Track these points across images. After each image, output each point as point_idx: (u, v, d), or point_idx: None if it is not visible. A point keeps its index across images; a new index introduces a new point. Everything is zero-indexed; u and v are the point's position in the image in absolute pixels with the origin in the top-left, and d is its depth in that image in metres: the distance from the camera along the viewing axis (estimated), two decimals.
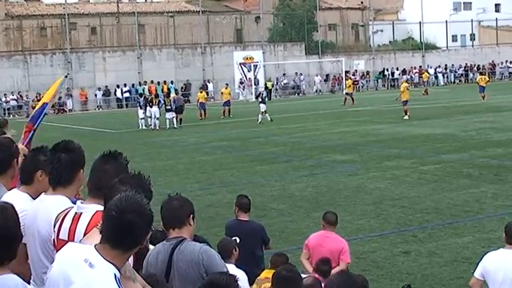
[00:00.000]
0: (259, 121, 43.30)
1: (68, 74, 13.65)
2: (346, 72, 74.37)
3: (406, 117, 41.43)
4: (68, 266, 4.19)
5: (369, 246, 15.08)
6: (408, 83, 49.58)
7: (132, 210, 4.15)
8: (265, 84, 71.94)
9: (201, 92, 51.86)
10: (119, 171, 5.15)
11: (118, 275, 4.14)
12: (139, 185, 4.85)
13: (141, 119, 44.69)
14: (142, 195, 4.39)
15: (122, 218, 4.14)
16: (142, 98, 46.78)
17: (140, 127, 44.36)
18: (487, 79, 57.05)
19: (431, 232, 15.96)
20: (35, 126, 10.69)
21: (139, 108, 45.78)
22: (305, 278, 8.29)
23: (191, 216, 6.12)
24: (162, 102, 44.89)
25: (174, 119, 44.31)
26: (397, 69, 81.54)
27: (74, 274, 4.14)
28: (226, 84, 59.40)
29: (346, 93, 57.26)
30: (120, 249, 4.19)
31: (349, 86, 58.38)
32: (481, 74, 62.61)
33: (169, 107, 44.61)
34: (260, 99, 45.69)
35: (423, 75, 70.61)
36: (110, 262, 4.15)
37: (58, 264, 4.28)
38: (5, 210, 4.54)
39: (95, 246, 4.24)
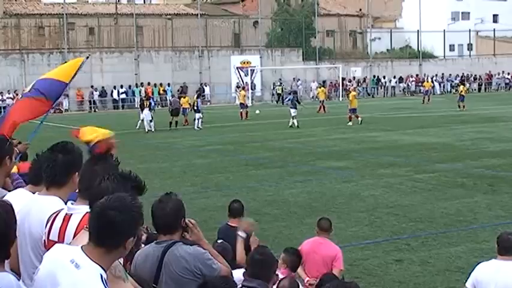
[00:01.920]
0: (289, 125, 43.10)
1: (89, 55, 13.11)
2: (343, 79, 74.50)
3: (350, 123, 43.54)
4: (55, 267, 4.19)
5: (361, 253, 15.07)
6: (356, 92, 51.87)
7: (115, 208, 4.13)
8: (276, 88, 72.31)
9: (184, 97, 50.67)
10: (108, 172, 5.14)
11: (104, 275, 4.12)
12: (125, 181, 4.82)
13: (149, 120, 44.11)
14: (132, 195, 4.37)
15: (104, 214, 4.13)
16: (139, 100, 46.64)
17: (146, 129, 43.81)
18: (466, 89, 58.02)
19: (424, 241, 15.95)
20: (53, 105, 10.35)
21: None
22: (283, 278, 8.24)
23: (182, 219, 6.09)
24: (154, 104, 44.77)
25: (199, 120, 44.60)
26: (394, 77, 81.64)
27: (61, 275, 4.13)
28: (243, 87, 60.16)
29: (320, 101, 56.86)
30: (103, 248, 4.16)
31: (322, 93, 58.04)
32: (461, 83, 63.36)
33: (196, 108, 45.18)
34: (291, 104, 44.81)
35: (425, 84, 70.70)
36: (96, 263, 4.13)
37: (45, 265, 4.28)
38: (2, 208, 4.55)
39: (81, 247, 4.23)
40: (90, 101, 68.68)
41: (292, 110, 43.75)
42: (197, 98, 46.91)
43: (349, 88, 57.98)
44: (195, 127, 44.21)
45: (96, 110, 68.02)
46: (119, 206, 4.16)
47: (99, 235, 4.18)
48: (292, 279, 8.12)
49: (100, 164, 5.31)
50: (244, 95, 53.80)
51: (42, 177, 5.99)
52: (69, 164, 5.60)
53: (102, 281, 4.09)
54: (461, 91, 55.57)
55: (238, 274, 7.62)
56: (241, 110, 51.34)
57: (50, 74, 10.72)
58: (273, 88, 75.02)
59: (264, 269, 6.91)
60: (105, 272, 4.15)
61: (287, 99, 46.68)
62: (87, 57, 11.81)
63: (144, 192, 4.91)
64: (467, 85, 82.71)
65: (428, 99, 64.33)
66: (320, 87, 61.65)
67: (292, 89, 65.48)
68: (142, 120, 44.08)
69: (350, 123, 43.68)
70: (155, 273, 5.98)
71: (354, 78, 79.40)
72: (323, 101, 56.34)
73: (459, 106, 53.68)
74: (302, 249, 11.17)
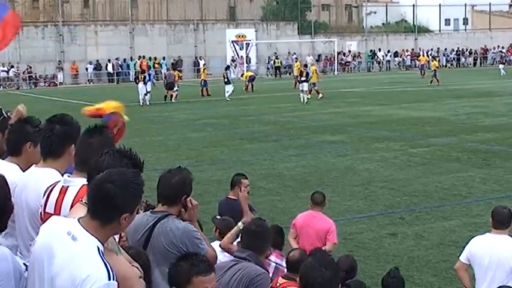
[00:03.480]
0: (304, 101, 42.19)
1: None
2: (338, 53, 74.27)
3: (320, 95, 44.61)
4: (51, 239, 4.18)
5: (356, 227, 15.12)
6: (317, 66, 51.97)
7: (113, 181, 4.13)
8: (274, 61, 72.05)
9: (174, 70, 50.44)
10: (104, 145, 5.13)
11: (101, 247, 4.13)
12: (121, 157, 4.82)
13: (144, 94, 43.79)
14: (136, 172, 4.37)
15: (101, 187, 4.13)
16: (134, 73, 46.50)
17: (141, 103, 43.47)
18: (437, 64, 58.93)
19: (419, 215, 16.01)
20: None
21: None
22: (292, 251, 8.28)
23: (185, 196, 6.08)
24: (148, 78, 44.59)
25: (229, 92, 45.21)
26: (388, 51, 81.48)
27: (57, 247, 4.12)
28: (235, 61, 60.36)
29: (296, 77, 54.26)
30: (98, 220, 4.15)
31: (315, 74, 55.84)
32: (434, 58, 63.94)
33: (226, 80, 45.71)
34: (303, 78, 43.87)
35: (421, 59, 70.51)
36: (93, 235, 4.13)
37: (42, 238, 4.27)
38: None
39: (78, 219, 4.22)
40: (85, 74, 68.54)
41: (303, 84, 43.23)
42: (226, 70, 47.79)
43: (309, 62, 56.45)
44: (227, 98, 44.83)
45: (92, 83, 67.85)
46: (118, 180, 4.15)
47: (94, 207, 4.18)
48: (302, 251, 8.15)
49: (95, 136, 5.31)
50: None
51: (18, 148, 6.06)
52: (65, 135, 5.58)
53: (99, 253, 4.09)
54: (434, 66, 55.94)
55: (216, 246, 7.63)
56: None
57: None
58: (268, 62, 74.86)
59: (257, 241, 6.93)
60: (103, 245, 4.16)
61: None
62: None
63: (141, 170, 4.90)
64: (463, 59, 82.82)
65: (424, 74, 64.21)
66: (312, 65, 54.84)
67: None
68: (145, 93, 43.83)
69: (320, 96, 44.57)
70: (144, 242, 5.98)
71: (350, 52, 79.23)
72: (315, 83, 47.27)
73: (431, 81, 53.63)
74: (296, 223, 11.22)
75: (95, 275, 3.98)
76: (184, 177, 6.10)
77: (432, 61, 62.12)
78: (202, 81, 49.78)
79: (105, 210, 4.15)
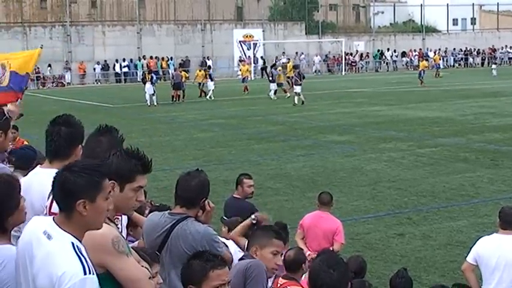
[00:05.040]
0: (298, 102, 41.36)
1: (42, 45, 13.31)
2: (346, 54, 74.16)
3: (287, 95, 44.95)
4: (31, 239, 4.19)
5: (363, 227, 15.09)
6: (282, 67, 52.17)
7: (70, 169, 4.17)
8: (264, 62, 72.00)
9: (181, 71, 49.27)
10: (113, 144, 5.15)
11: (77, 243, 4.11)
12: (129, 157, 4.84)
13: (151, 94, 43.58)
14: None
15: (59, 176, 4.17)
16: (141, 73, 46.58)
17: (148, 103, 43.38)
18: (426, 64, 58.64)
19: (426, 215, 15.98)
20: (21, 96, 10.51)
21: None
22: (288, 251, 8.27)
23: (203, 199, 6.14)
24: (156, 78, 44.67)
25: (272, 92, 45.38)
26: (395, 51, 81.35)
27: (36, 247, 4.14)
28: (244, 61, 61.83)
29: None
30: (63, 212, 4.16)
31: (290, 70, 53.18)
32: (424, 59, 64.12)
33: (271, 78, 46.20)
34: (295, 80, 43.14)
35: (435, 58, 70.25)
36: (66, 231, 4.13)
37: (23, 238, 4.28)
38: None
39: (53, 217, 4.23)
40: (93, 74, 68.67)
41: (297, 87, 42.04)
42: (272, 68, 48.84)
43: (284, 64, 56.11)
44: (271, 96, 45.45)
45: (99, 83, 67.96)
46: (75, 167, 4.19)
47: (55, 198, 4.25)
48: (298, 250, 8.15)
49: (105, 135, 5.34)
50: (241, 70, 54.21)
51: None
52: (72, 137, 5.60)
53: (74, 248, 4.07)
54: (422, 67, 55.92)
55: (231, 246, 7.67)
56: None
57: (14, 66, 10.75)
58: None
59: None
60: (79, 240, 4.14)
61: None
62: (41, 47, 11.99)
63: (150, 170, 4.91)
64: (470, 59, 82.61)
65: (439, 74, 64.03)
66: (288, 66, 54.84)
67: (295, 63, 64.76)
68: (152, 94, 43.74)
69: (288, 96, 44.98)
70: (161, 242, 6.01)
71: (357, 52, 79.17)
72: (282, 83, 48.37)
73: (420, 82, 53.53)
74: (303, 223, 11.22)
75: (70, 271, 3.97)
76: (203, 180, 6.20)
77: (421, 61, 61.78)
78: (199, 82, 49.05)
79: (62, 199, 4.17)
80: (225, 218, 9.79)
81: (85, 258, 4.05)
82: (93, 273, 4.04)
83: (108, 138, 5.32)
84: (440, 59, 69.84)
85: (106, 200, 4.22)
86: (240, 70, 52.44)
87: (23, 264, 4.22)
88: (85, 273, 3.99)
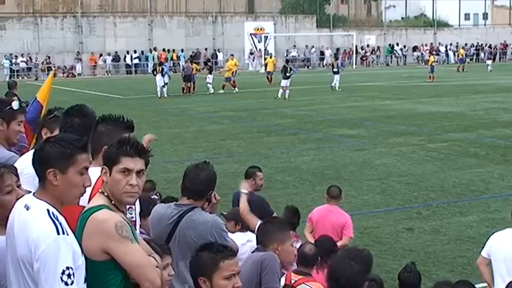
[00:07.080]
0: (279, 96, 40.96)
1: (55, 72, 13.23)
2: (357, 47, 73.95)
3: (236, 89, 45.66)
4: (13, 217, 4.38)
5: (372, 221, 15.09)
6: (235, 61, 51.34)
7: (48, 139, 4.54)
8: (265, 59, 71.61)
9: (192, 63, 48.30)
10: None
11: (52, 210, 4.27)
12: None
13: (162, 86, 43.53)
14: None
15: (39, 145, 4.56)
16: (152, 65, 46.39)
17: (159, 95, 43.44)
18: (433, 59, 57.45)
19: (436, 210, 15.96)
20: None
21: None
22: (308, 244, 8.25)
23: (211, 192, 6.21)
24: (166, 70, 44.55)
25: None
26: (405, 46, 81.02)
27: (16, 221, 4.32)
28: (271, 54, 60.67)
29: (268, 72, 53.69)
30: (40, 182, 4.39)
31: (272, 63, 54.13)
32: (431, 53, 64.08)
33: (336, 70, 46.59)
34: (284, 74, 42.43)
35: (460, 52, 70.00)
36: (42, 200, 4.31)
37: (10, 217, 4.43)
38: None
39: (34, 192, 4.43)
40: (103, 65, 68.71)
41: (283, 81, 41.78)
42: (336, 60, 49.20)
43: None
44: (337, 88, 45.72)
45: (110, 74, 68.01)
46: (54, 139, 4.44)
47: (33, 166, 4.43)
48: (313, 246, 8.14)
49: (78, 117, 5.56)
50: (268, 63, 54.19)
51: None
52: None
53: (49, 215, 4.23)
54: (431, 62, 55.20)
55: (238, 238, 7.69)
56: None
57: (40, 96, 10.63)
58: (286, 55, 74.44)
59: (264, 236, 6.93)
60: (56, 209, 4.30)
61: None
62: (54, 75, 11.95)
63: (132, 129, 5.26)
64: (482, 55, 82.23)
65: (463, 69, 63.76)
66: (270, 58, 56.03)
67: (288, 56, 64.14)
68: (162, 86, 43.80)
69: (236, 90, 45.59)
70: (168, 233, 6.02)
71: (368, 46, 78.98)
72: (271, 72, 52.07)
73: (429, 77, 53.02)
74: (312, 217, 11.22)
75: (44, 233, 4.14)
76: (211, 174, 6.26)
77: (429, 56, 61.02)
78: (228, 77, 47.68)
79: (36, 166, 4.39)
80: (223, 212, 9.76)
81: (59, 221, 4.21)
82: (67, 234, 4.19)
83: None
84: (464, 54, 69.13)
85: (81, 176, 4.37)
86: (227, 66, 49.39)
87: (9, 240, 4.38)
88: (58, 233, 4.15)
